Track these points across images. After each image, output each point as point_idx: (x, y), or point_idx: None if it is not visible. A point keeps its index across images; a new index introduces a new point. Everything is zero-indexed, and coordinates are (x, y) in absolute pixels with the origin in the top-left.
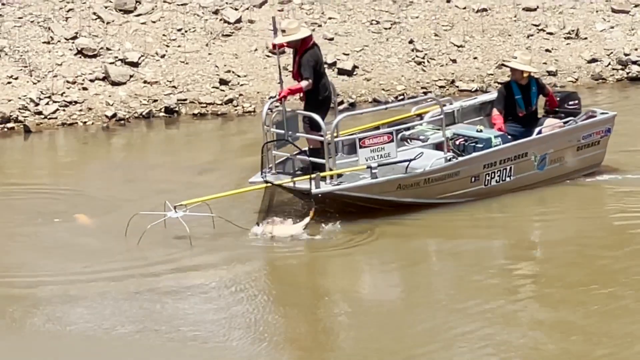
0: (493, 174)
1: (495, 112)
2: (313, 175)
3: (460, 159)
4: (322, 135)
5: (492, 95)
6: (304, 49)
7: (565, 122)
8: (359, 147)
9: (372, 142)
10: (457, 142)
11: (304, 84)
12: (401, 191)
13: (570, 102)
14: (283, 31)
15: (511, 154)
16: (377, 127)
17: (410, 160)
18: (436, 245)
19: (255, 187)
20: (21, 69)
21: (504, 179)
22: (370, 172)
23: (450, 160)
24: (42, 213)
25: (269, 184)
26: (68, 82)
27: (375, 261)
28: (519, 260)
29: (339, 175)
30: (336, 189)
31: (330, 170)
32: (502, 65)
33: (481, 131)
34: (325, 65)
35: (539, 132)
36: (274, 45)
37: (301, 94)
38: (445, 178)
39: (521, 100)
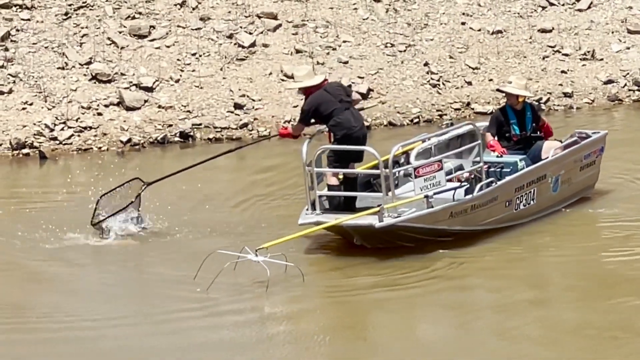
0: (521, 198)
1: (489, 136)
2: (377, 209)
3: (499, 183)
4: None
5: (459, 130)
6: (309, 94)
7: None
8: (414, 177)
9: (426, 171)
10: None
11: (294, 128)
12: (452, 219)
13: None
14: (294, 77)
15: (534, 177)
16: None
17: (456, 189)
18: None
19: (323, 226)
20: (36, 95)
21: (529, 202)
22: (427, 201)
23: (489, 185)
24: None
25: (327, 224)
26: (83, 107)
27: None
28: None
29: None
30: (397, 221)
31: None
32: (498, 90)
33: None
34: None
35: (536, 156)
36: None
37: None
38: (487, 204)
39: (516, 125)
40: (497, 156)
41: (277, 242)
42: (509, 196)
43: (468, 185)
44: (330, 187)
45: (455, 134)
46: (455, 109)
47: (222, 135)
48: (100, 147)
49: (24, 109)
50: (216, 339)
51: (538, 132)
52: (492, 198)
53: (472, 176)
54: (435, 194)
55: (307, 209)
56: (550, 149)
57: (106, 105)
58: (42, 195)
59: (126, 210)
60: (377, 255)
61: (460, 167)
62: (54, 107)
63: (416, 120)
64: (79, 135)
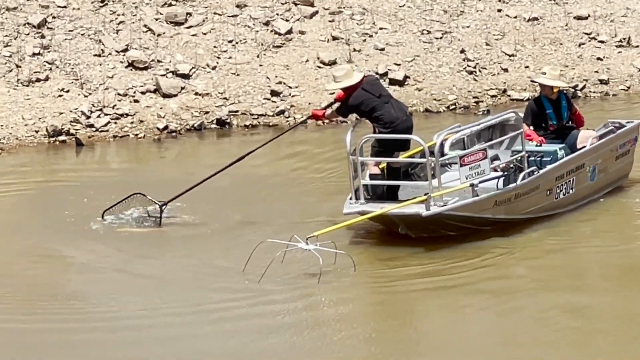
0: (561, 187)
1: (525, 127)
2: (424, 197)
3: (542, 171)
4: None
5: (498, 119)
6: (349, 92)
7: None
8: (460, 166)
9: (471, 160)
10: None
11: (328, 111)
12: (496, 208)
13: None
14: (333, 78)
15: (574, 166)
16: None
17: (500, 177)
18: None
19: (370, 215)
20: (72, 82)
21: (568, 191)
22: (472, 189)
23: (531, 174)
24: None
25: (373, 214)
26: (119, 94)
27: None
28: None
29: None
30: (444, 209)
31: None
32: (532, 81)
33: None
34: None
35: (572, 145)
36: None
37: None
38: (529, 192)
39: (553, 114)
40: (536, 145)
41: (327, 231)
42: (550, 185)
43: (509, 175)
44: (373, 177)
45: (490, 124)
46: (492, 96)
47: (259, 122)
48: (137, 134)
49: (60, 96)
50: (269, 328)
51: (570, 122)
52: (534, 187)
53: (512, 165)
54: (480, 182)
55: (350, 198)
56: (586, 138)
57: (143, 93)
58: (79, 182)
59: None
60: (422, 245)
61: (495, 157)
62: (90, 94)
63: (452, 107)
64: (115, 123)
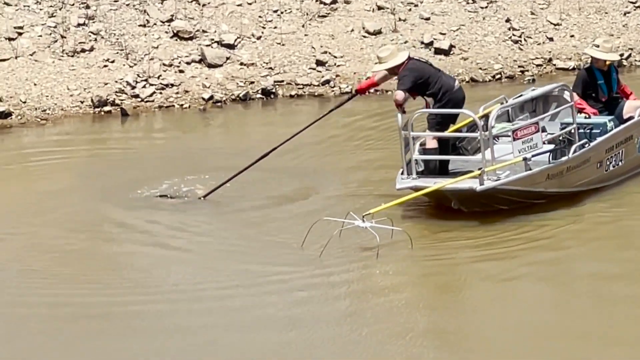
0: (611, 159)
1: (576, 97)
2: (478, 172)
3: (593, 144)
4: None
5: (538, 91)
6: (400, 71)
7: None
8: (512, 140)
9: (524, 134)
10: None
11: (396, 94)
12: (549, 181)
13: None
14: (378, 59)
15: (623, 137)
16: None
17: (551, 151)
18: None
19: (425, 191)
20: (117, 53)
21: (617, 163)
22: (526, 163)
23: (583, 147)
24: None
25: (428, 189)
26: (164, 65)
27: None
28: None
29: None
30: (498, 184)
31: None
32: (585, 54)
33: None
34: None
35: (619, 116)
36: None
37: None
38: (580, 165)
39: (604, 86)
40: (585, 117)
41: (383, 208)
42: (600, 157)
43: (561, 148)
44: (428, 151)
45: (535, 95)
46: (537, 65)
47: (304, 92)
48: (182, 105)
49: (105, 66)
50: (329, 299)
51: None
52: (585, 160)
53: (562, 138)
54: (533, 156)
55: (401, 173)
56: (633, 108)
57: (188, 63)
58: (124, 152)
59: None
60: (476, 219)
61: (542, 129)
62: (135, 64)
63: (498, 76)
64: (160, 93)
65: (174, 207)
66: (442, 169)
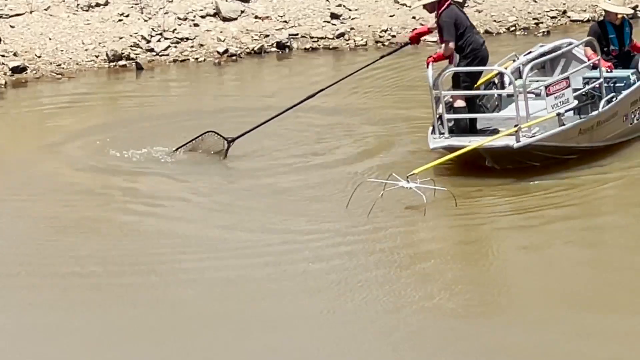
0: (635, 112)
1: (589, 50)
2: (515, 129)
3: (620, 97)
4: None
5: (550, 45)
6: (440, 9)
7: None
8: (545, 95)
9: (556, 89)
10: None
11: (444, 49)
12: (580, 136)
13: None
14: None
15: None
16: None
17: (584, 105)
18: None
19: (464, 150)
20: (132, 7)
21: (636, 120)
22: (559, 119)
23: (611, 100)
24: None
25: (466, 148)
26: (179, 18)
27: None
28: None
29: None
30: (534, 140)
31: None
32: (598, 6)
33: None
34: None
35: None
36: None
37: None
38: (609, 119)
39: (615, 39)
40: (607, 71)
41: (426, 168)
42: (626, 110)
43: (591, 102)
44: (458, 110)
45: (544, 52)
46: (552, 17)
47: (319, 45)
48: (197, 58)
49: (120, 20)
50: (377, 261)
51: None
52: (613, 113)
53: (585, 92)
54: (566, 111)
55: (432, 132)
56: None
57: (202, 17)
58: (141, 106)
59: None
60: (512, 176)
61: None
62: (150, 18)
63: (512, 28)
64: (175, 47)
65: (200, 170)
66: (472, 127)
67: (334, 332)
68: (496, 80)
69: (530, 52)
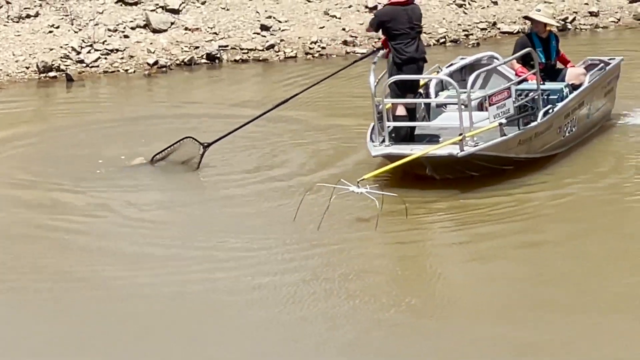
0: (568, 124)
1: (517, 65)
2: (459, 138)
3: (556, 109)
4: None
5: (472, 58)
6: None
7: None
8: (488, 105)
9: (498, 99)
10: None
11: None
12: (519, 147)
13: None
14: None
15: (577, 103)
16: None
17: (522, 117)
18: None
19: (410, 157)
20: (62, 18)
21: (572, 129)
22: (501, 129)
23: (547, 113)
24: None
25: (412, 156)
26: (109, 30)
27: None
28: None
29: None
30: (477, 149)
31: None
32: (525, 17)
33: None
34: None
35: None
36: None
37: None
38: (545, 131)
39: (542, 52)
40: (541, 84)
41: (375, 174)
42: (561, 122)
43: (530, 114)
44: (398, 118)
45: (465, 64)
46: (482, 29)
47: (249, 57)
48: (127, 70)
49: (50, 32)
50: (328, 273)
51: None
52: (549, 125)
53: (527, 104)
54: (508, 121)
55: (371, 140)
56: (575, 75)
57: (133, 28)
58: (72, 119)
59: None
60: (456, 186)
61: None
62: (80, 30)
63: (442, 40)
64: (105, 58)
65: (163, 181)
66: (412, 136)
67: (277, 346)
68: (422, 91)
69: (452, 65)
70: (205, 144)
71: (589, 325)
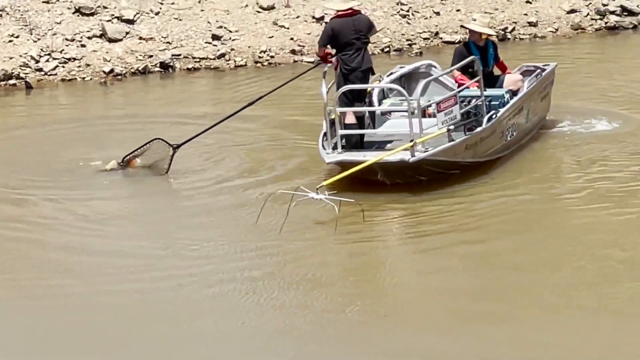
0: (509, 129)
1: (457, 72)
2: (411, 144)
3: (499, 114)
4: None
5: (410, 66)
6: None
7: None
8: (437, 112)
9: (446, 106)
10: (470, 104)
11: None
12: (466, 152)
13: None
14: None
15: (517, 108)
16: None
17: (470, 122)
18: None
19: (366, 164)
20: (22, 28)
21: (513, 133)
22: (449, 135)
23: (491, 118)
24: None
25: (367, 163)
26: (67, 39)
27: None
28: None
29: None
30: (427, 155)
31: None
32: (462, 27)
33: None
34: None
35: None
36: None
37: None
38: (490, 135)
39: (480, 60)
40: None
41: (334, 180)
42: (503, 127)
43: (475, 120)
44: (349, 126)
45: (404, 73)
46: (424, 39)
47: (201, 65)
48: (84, 78)
49: (10, 41)
50: (287, 275)
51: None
52: (493, 130)
53: (471, 110)
54: (455, 127)
55: (323, 147)
56: (513, 81)
57: (89, 38)
58: (32, 124)
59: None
60: (403, 191)
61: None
62: (39, 39)
63: (387, 49)
64: (63, 66)
65: (127, 183)
66: (362, 143)
67: (233, 351)
68: (366, 99)
69: (392, 73)
70: (175, 145)
71: (520, 336)
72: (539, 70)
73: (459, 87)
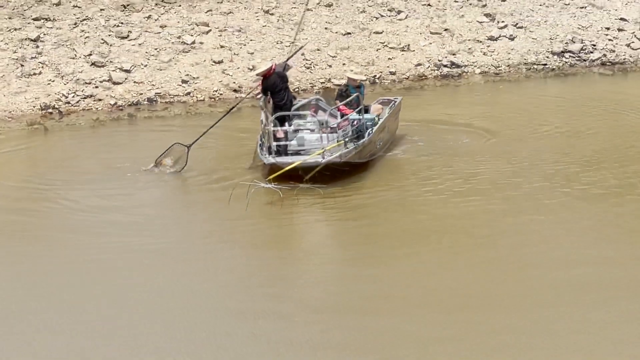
0: (379, 140)
1: (340, 105)
2: (322, 151)
3: (374, 130)
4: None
5: (303, 102)
6: (265, 76)
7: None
8: (337, 129)
9: (343, 125)
10: (354, 123)
11: (256, 91)
12: (356, 155)
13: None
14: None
15: (383, 126)
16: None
17: (358, 136)
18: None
19: (295, 164)
20: (56, 75)
21: (380, 143)
22: (345, 144)
23: (370, 133)
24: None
25: (295, 164)
26: (86, 82)
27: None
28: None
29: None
30: (332, 158)
31: (321, 148)
32: (348, 77)
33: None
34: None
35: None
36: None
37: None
38: (369, 144)
39: (357, 98)
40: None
41: (278, 174)
42: (376, 138)
43: (360, 135)
44: (279, 139)
45: (301, 104)
46: (322, 82)
47: (174, 100)
48: (97, 108)
49: (49, 84)
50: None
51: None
52: (372, 140)
53: (343, 127)
54: (349, 140)
55: (262, 154)
56: (377, 109)
57: (100, 82)
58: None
59: (174, 167)
60: (320, 182)
61: (326, 122)
62: (67, 82)
63: (296, 89)
64: (84, 100)
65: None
66: (285, 150)
67: (189, 333)
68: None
69: (296, 103)
70: (188, 145)
71: (385, 328)
72: (391, 102)
73: (341, 115)
